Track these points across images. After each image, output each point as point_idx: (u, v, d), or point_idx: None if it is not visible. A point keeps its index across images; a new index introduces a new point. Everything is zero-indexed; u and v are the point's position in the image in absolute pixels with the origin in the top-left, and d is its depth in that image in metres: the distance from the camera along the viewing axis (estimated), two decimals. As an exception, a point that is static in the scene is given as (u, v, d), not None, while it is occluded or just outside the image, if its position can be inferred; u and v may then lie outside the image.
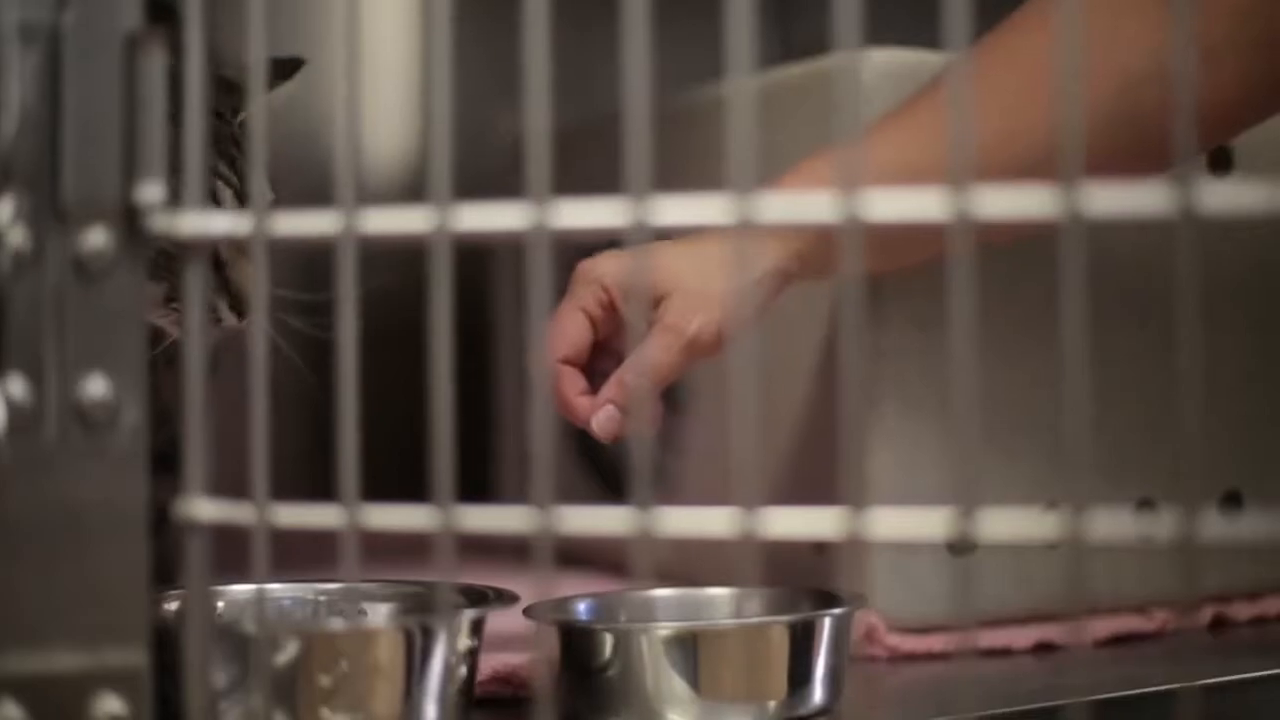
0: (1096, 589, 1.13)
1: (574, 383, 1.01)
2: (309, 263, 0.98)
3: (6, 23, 0.67)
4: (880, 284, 1.11)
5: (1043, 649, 1.12)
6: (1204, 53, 0.99)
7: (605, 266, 1.01)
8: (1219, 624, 1.21)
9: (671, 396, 1.31)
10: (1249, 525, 0.58)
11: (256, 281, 0.68)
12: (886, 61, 1.11)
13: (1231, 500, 1.23)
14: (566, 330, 1.01)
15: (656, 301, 1.00)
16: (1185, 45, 0.58)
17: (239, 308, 1.05)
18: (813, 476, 1.17)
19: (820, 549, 1.14)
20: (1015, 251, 1.12)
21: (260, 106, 0.69)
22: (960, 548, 0.60)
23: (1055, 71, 0.56)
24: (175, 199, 0.68)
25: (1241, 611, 1.21)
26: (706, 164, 1.02)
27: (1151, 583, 1.17)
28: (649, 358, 1.00)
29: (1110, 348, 1.18)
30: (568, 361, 1.01)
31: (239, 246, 1.04)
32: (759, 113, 0.61)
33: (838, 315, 1.11)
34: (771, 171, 0.90)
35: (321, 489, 0.66)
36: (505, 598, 0.93)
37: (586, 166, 1.06)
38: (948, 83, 0.85)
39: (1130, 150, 0.84)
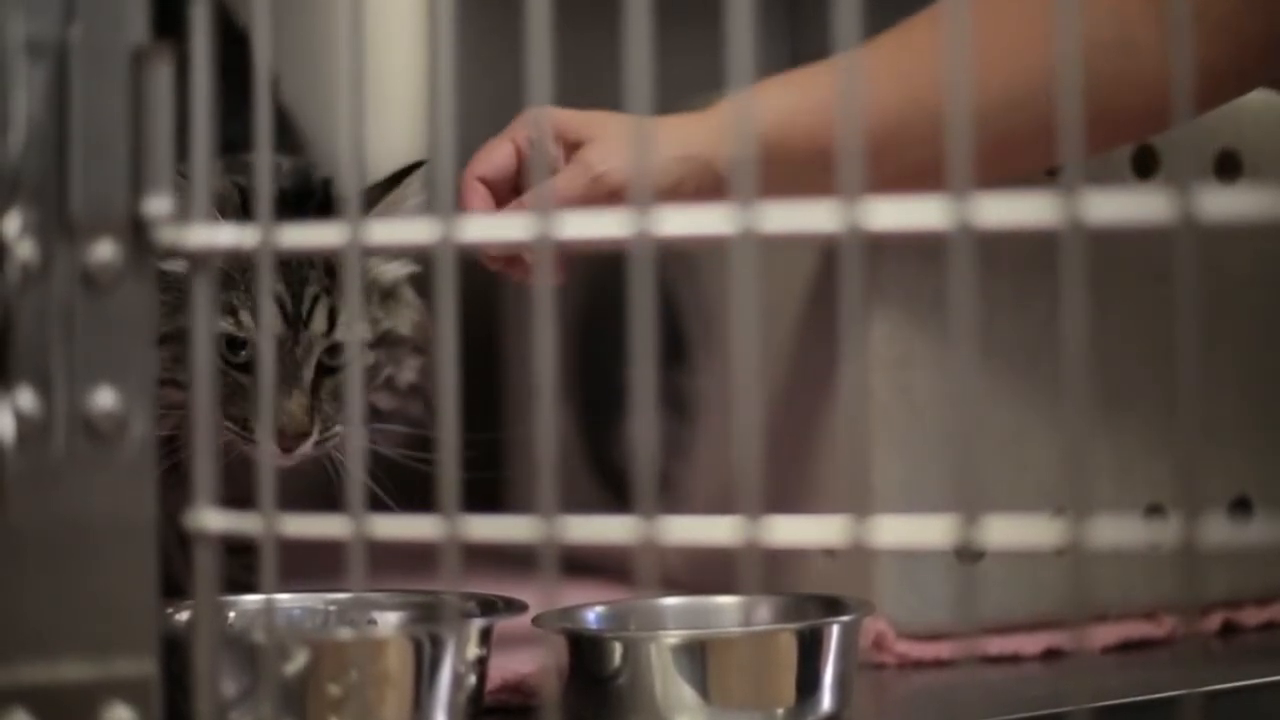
0: (1105, 595, 1.14)
1: (481, 200, 1.02)
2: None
3: (13, 37, 0.67)
4: (885, 289, 1.11)
5: (1051, 655, 1.12)
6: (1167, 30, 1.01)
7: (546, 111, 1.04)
8: (1228, 629, 1.21)
9: (678, 405, 1.31)
10: (1258, 530, 0.58)
11: (262, 288, 0.68)
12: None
13: (1241, 505, 1.23)
14: (492, 154, 1.02)
15: (580, 144, 1.02)
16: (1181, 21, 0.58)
17: None
18: (799, 471, 1.17)
19: (831, 554, 1.14)
20: (1022, 258, 1.13)
21: (264, 103, 0.69)
22: (967, 555, 0.60)
23: (1038, 64, 0.56)
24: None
25: (1251, 617, 1.22)
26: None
27: (1160, 588, 1.17)
28: (554, 186, 1.01)
29: (1120, 354, 1.18)
30: (483, 181, 1.02)
31: None
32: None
33: (838, 318, 1.11)
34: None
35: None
36: (514, 606, 0.93)
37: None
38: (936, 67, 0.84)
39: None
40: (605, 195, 1.02)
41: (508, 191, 1.03)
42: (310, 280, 1.04)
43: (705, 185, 1.03)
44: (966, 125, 0.57)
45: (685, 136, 1.03)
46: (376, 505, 0.98)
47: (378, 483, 1.01)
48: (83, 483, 0.68)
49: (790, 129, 1.02)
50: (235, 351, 1.04)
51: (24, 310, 0.67)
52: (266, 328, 0.69)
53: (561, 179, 1.02)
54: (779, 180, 1.03)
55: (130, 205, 0.68)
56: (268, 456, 0.68)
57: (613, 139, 1.02)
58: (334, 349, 1.04)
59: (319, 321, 1.03)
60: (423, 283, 1.12)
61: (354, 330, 0.66)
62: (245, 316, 1.03)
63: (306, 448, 1.03)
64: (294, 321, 1.04)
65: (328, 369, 1.04)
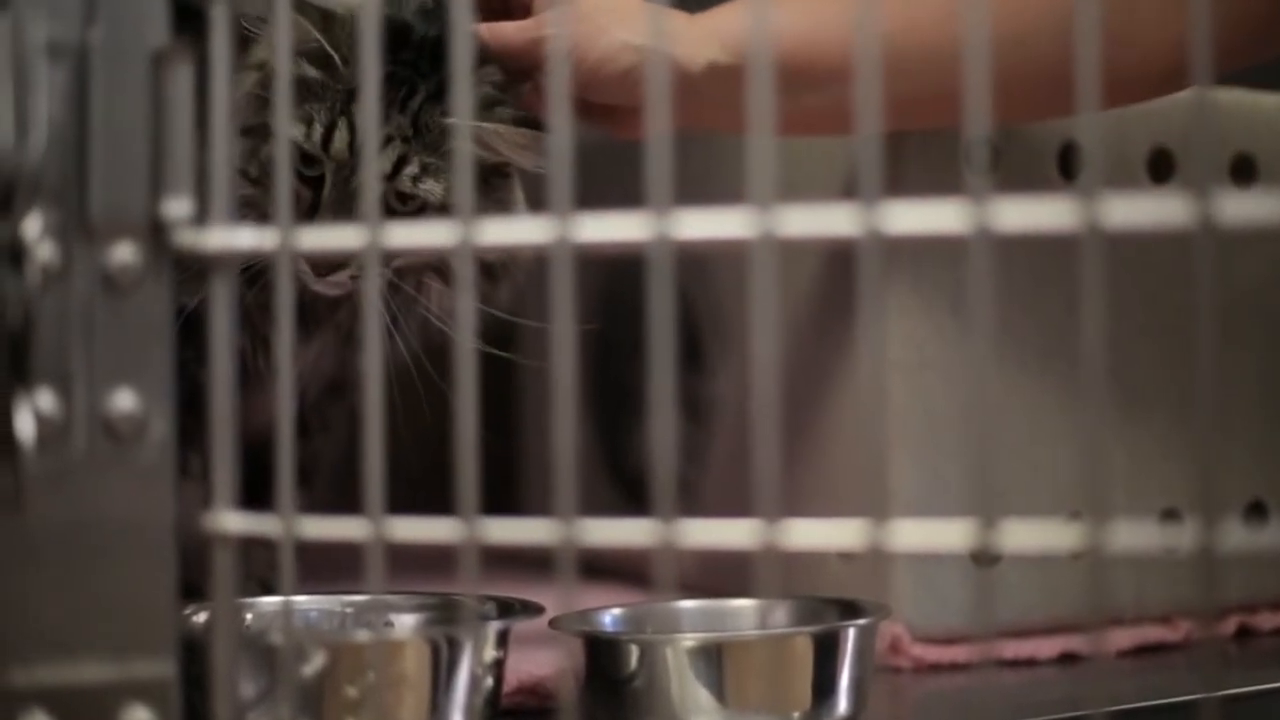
0: (1121, 599, 1.14)
1: None
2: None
3: (34, 39, 0.67)
4: (902, 292, 1.12)
5: (1067, 659, 1.12)
6: None
7: None
8: (1244, 634, 1.21)
9: (693, 408, 1.31)
10: (1273, 535, 0.58)
11: (280, 301, 0.68)
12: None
13: (1257, 510, 1.23)
14: None
15: None
16: None
17: None
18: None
19: (847, 558, 1.15)
20: (1038, 261, 1.13)
21: (283, 106, 0.69)
22: (983, 559, 0.60)
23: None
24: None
25: (1266, 621, 1.22)
26: (728, 175, 1.03)
27: (1176, 593, 1.17)
28: (504, 29, 1.03)
29: (1136, 358, 1.18)
30: None
31: None
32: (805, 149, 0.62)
33: (857, 321, 1.11)
34: (791, 186, 0.90)
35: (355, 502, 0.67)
36: (531, 609, 0.93)
37: (609, 179, 1.07)
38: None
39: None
40: (541, 59, 1.03)
41: None
42: (387, 119, 1.02)
43: (717, 88, 1.03)
44: (984, 129, 0.58)
45: (650, 27, 1.02)
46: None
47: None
48: (102, 484, 0.68)
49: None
50: (308, 165, 1.02)
51: (44, 312, 0.67)
52: (284, 334, 0.69)
53: (513, 27, 1.03)
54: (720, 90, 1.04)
55: (150, 207, 0.68)
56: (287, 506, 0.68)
57: (583, 9, 1.02)
58: (403, 197, 1.02)
59: (382, 162, 1.01)
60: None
61: (375, 343, 0.66)
62: (316, 132, 1.02)
63: (342, 278, 1.01)
64: (357, 152, 1.02)
65: (391, 213, 1.02)
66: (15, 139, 0.66)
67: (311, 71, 1.02)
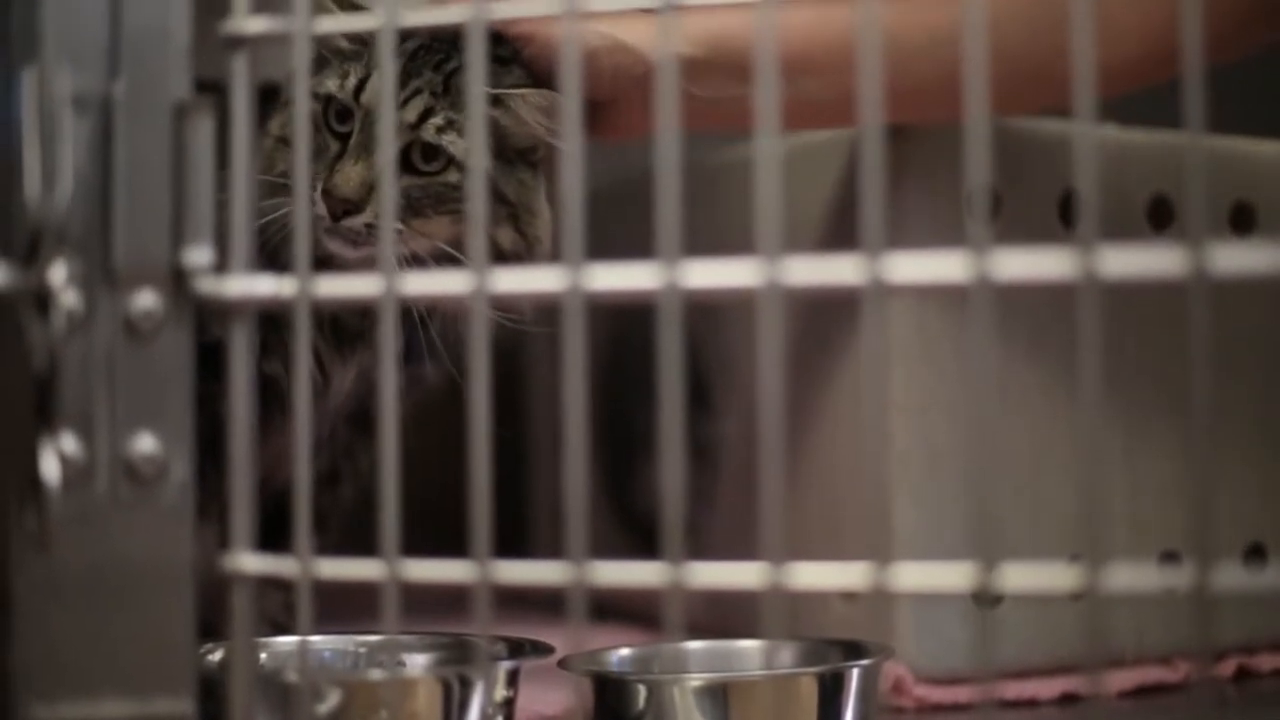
0: (1121, 641, 1.15)
1: None
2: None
3: (60, 92, 0.69)
4: (905, 336, 1.13)
5: (1068, 700, 1.12)
6: None
7: None
8: (1243, 675, 1.21)
9: (700, 450, 1.32)
10: (1272, 577, 0.59)
11: (299, 342, 0.70)
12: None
13: (1256, 552, 1.24)
14: None
15: None
16: None
17: None
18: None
19: (851, 599, 1.16)
20: (1041, 303, 1.14)
21: (302, 163, 0.71)
22: (985, 600, 0.61)
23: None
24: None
25: (1265, 663, 1.22)
26: (736, 222, 1.04)
27: (1176, 634, 1.18)
28: None
29: (1139, 400, 1.19)
30: None
31: None
32: (787, 173, 0.63)
33: (860, 365, 1.12)
34: (798, 232, 0.92)
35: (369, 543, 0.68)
36: (541, 649, 0.94)
37: (620, 222, 1.08)
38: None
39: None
40: (517, 38, 1.07)
41: None
42: (419, 75, 1.05)
43: (622, 69, 1.05)
44: (985, 158, 0.59)
45: (625, 25, 1.05)
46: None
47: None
48: (124, 525, 0.69)
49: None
50: (341, 121, 1.05)
51: (68, 357, 0.68)
52: (302, 380, 0.70)
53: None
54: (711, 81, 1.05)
55: (171, 256, 0.70)
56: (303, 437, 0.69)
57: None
58: (428, 153, 1.05)
59: (409, 111, 1.04)
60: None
61: (390, 387, 0.67)
62: (351, 83, 1.05)
63: (356, 224, 1.03)
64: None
65: (415, 169, 1.05)
66: (42, 189, 0.68)
67: (345, 44, 1.06)
